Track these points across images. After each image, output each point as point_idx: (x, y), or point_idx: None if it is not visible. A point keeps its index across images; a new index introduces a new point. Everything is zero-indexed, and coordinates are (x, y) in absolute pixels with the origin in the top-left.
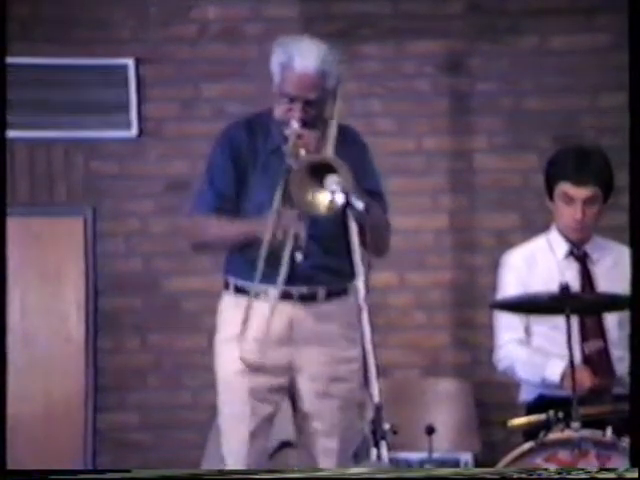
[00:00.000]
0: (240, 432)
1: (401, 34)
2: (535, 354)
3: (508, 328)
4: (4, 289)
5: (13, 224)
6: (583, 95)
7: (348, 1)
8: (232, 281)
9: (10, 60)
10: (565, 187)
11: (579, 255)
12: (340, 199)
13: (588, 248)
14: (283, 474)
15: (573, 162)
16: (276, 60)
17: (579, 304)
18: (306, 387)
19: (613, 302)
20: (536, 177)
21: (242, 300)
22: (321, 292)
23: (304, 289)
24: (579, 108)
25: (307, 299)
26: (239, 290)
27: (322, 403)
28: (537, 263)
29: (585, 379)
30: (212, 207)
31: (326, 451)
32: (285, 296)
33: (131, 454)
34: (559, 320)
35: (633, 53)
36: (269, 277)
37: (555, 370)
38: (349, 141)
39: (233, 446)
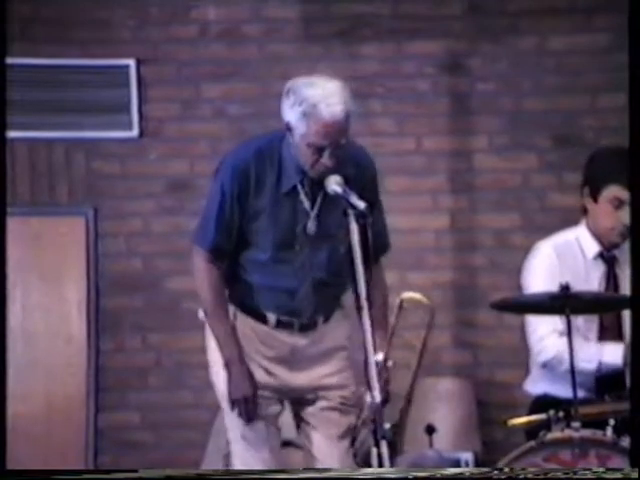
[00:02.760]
0: (247, 438)
1: (401, 34)
2: (582, 343)
3: (545, 320)
4: (4, 289)
5: (14, 224)
6: (583, 95)
7: (348, 2)
8: (226, 290)
9: (11, 60)
10: (616, 191)
11: (608, 258)
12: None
13: (617, 251)
14: (285, 474)
15: (624, 165)
16: (295, 109)
17: (579, 304)
18: (304, 398)
19: (613, 302)
20: (536, 177)
21: (237, 312)
22: (320, 320)
23: (305, 319)
24: (579, 108)
25: (308, 328)
26: (233, 303)
27: (321, 411)
28: (566, 259)
29: None
30: (211, 246)
31: (327, 454)
32: (285, 325)
33: (132, 453)
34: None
35: (633, 53)
36: (269, 303)
37: (616, 353)
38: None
39: (243, 451)
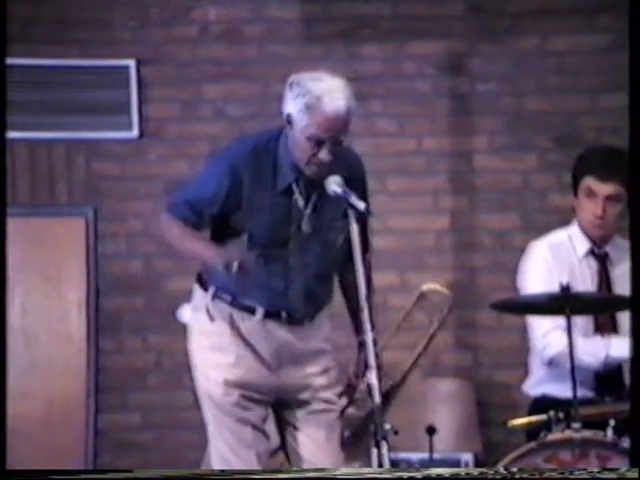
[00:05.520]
0: (233, 443)
1: (401, 35)
2: (588, 337)
3: (547, 318)
4: (4, 289)
5: (14, 225)
6: (583, 96)
7: (348, 2)
8: (213, 285)
9: (11, 61)
10: (589, 182)
11: (599, 255)
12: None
13: (609, 248)
14: (283, 474)
15: (600, 158)
16: (298, 100)
17: (579, 304)
18: (291, 400)
19: (613, 302)
20: (536, 177)
21: (225, 308)
22: (307, 319)
23: (293, 317)
24: (579, 109)
25: (295, 326)
26: (220, 297)
27: (309, 415)
28: (560, 258)
29: None
30: (180, 218)
31: (317, 456)
32: (274, 320)
33: (132, 454)
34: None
35: (633, 53)
36: (259, 299)
37: (623, 346)
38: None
39: (223, 456)
